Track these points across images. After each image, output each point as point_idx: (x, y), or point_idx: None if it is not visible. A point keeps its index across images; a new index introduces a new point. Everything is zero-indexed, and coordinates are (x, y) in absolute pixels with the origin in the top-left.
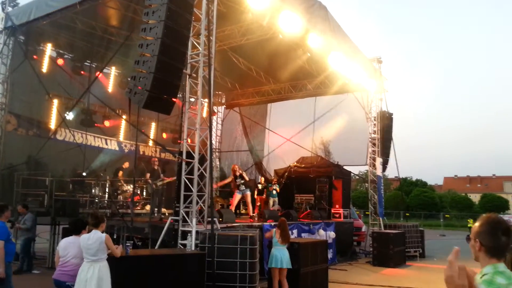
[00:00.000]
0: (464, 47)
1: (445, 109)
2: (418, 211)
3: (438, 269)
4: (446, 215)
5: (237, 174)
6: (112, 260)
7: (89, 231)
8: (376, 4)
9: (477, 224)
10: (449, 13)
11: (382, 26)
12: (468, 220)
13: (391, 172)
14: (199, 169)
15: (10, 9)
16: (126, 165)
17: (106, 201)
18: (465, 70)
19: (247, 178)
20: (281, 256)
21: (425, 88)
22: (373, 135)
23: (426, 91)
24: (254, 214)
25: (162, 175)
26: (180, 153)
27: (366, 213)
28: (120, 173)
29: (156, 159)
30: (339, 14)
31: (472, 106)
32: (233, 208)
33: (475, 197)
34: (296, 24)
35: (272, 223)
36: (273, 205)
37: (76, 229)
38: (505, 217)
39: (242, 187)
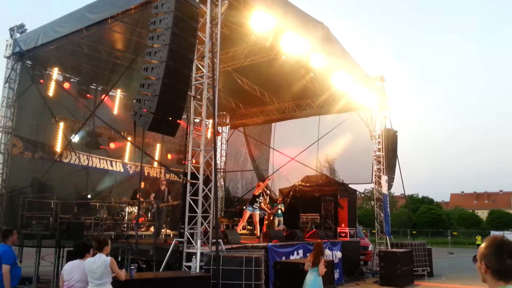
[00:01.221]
0: (469, 59)
1: (450, 125)
2: (425, 228)
3: None
4: (453, 233)
5: (267, 192)
6: (116, 283)
7: (93, 255)
8: (381, 21)
9: (483, 245)
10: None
11: (387, 42)
12: (477, 237)
13: (397, 190)
14: (203, 190)
15: (18, 35)
16: (143, 185)
17: (110, 223)
18: (470, 85)
19: (263, 205)
20: (307, 281)
21: (431, 104)
22: (378, 153)
23: (432, 106)
24: (259, 235)
25: (169, 197)
26: (185, 174)
27: (373, 231)
28: (152, 195)
29: (164, 180)
30: (342, 32)
31: (477, 121)
32: (241, 225)
33: (483, 214)
34: (299, 45)
35: (278, 243)
36: (278, 224)
37: (80, 252)
38: None
39: (256, 205)
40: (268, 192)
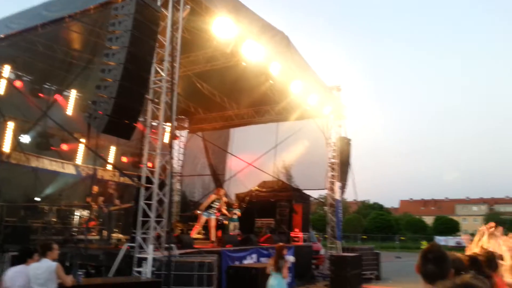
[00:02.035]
0: (422, 68)
1: (399, 132)
2: (376, 233)
3: None
4: (401, 238)
5: (223, 200)
6: None
7: (39, 260)
8: (345, 31)
9: None
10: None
11: (344, 52)
12: (422, 242)
13: (350, 196)
14: (158, 195)
15: None
16: (95, 189)
17: (59, 227)
18: (425, 97)
19: (225, 211)
20: (273, 284)
21: (385, 114)
22: (332, 160)
23: (386, 117)
24: (214, 239)
25: (118, 200)
26: (139, 178)
27: (325, 236)
28: (101, 198)
29: (113, 183)
30: (304, 41)
31: (427, 133)
32: (196, 230)
33: (429, 220)
34: (259, 53)
35: (231, 248)
36: (234, 229)
37: (22, 257)
38: (456, 238)
39: (213, 210)
40: (225, 199)
